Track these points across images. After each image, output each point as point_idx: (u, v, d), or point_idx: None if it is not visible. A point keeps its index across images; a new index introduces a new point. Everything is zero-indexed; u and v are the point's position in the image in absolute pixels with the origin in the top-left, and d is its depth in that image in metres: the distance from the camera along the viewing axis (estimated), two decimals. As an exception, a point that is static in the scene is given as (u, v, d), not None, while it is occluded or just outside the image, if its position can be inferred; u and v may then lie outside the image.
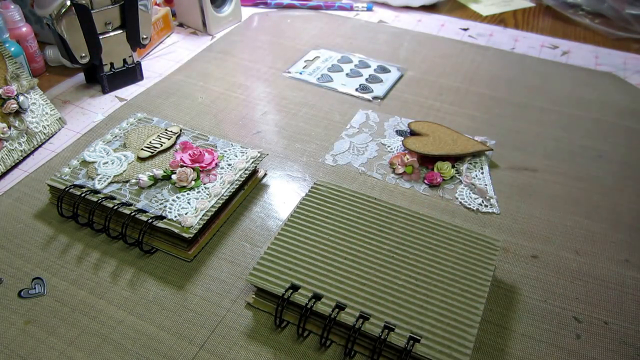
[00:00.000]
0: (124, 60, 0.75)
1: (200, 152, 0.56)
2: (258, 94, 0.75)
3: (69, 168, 0.55)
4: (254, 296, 0.46)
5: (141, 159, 0.56)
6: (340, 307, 0.42)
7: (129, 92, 0.76)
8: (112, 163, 0.56)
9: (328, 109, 0.72)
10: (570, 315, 0.46)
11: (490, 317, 0.46)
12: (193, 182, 0.53)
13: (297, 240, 0.47)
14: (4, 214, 0.55)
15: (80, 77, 0.78)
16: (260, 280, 0.44)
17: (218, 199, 0.52)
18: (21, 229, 0.53)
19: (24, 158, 0.63)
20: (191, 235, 0.48)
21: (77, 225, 0.53)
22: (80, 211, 0.53)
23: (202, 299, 0.47)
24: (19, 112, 0.62)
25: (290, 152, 0.64)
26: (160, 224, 0.49)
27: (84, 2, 0.66)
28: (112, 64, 0.74)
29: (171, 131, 0.61)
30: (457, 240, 0.48)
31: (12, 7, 0.72)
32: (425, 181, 0.60)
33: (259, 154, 0.58)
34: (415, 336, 0.40)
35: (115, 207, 0.50)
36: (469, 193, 0.59)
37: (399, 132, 0.68)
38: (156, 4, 0.92)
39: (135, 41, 0.74)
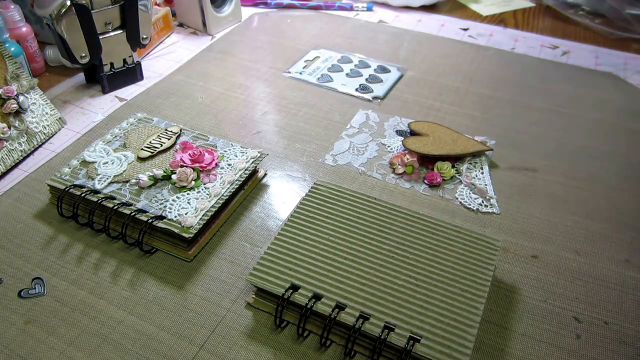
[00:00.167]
0: (124, 60, 0.75)
1: (200, 152, 0.56)
2: (258, 94, 0.75)
3: (69, 168, 0.55)
4: (254, 296, 0.46)
5: (141, 159, 0.56)
6: (340, 307, 0.42)
7: (129, 92, 0.76)
8: (112, 163, 0.56)
9: (328, 109, 0.72)
10: (570, 315, 0.46)
11: (490, 317, 0.46)
12: (193, 182, 0.53)
13: (297, 240, 0.47)
14: (4, 214, 0.55)
15: (80, 77, 0.78)
16: (260, 280, 0.44)
17: (218, 199, 0.52)
18: (21, 229, 0.53)
19: (24, 158, 0.63)
20: (191, 235, 0.48)
21: (77, 225, 0.53)
22: (80, 211, 0.53)
23: (202, 299, 0.47)
24: (19, 112, 0.62)
25: (290, 152, 0.64)
26: (160, 224, 0.49)
27: (84, 2, 0.66)
28: (112, 64, 0.74)
29: (171, 131, 0.61)
30: (457, 240, 0.48)
31: (12, 7, 0.72)
32: (425, 181, 0.60)
33: (259, 154, 0.58)
34: (415, 336, 0.40)
35: (115, 207, 0.50)
36: (469, 193, 0.59)
37: (399, 132, 0.68)
38: (156, 4, 0.92)
39: (135, 41, 0.74)
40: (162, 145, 0.58)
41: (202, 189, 0.53)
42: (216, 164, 0.56)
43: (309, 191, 0.53)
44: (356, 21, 0.99)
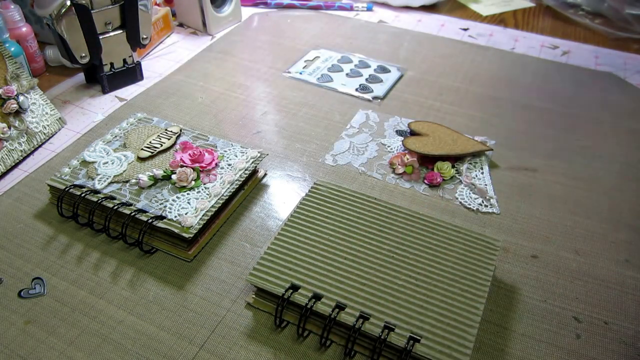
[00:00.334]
0: (124, 60, 0.75)
1: (200, 152, 0.56)
2: (258, 94, 0.75)
3: (69, 168, 0.55)
4: (254, 296, 0.46)
5: (141, 159, 0.56)
6: (340, 307, 0.42)
7: (129, 92, 0.76)
8: (112, 163, 0.56)
9: (328, 109, 0.72)
10: (570, 315, 0.46)
11: (490, 317, 0.46)
12: (193, 182, 0.53)
13: (297, 240, 0.47)
14: (4, 214, 0.55)
15: (80, 77, 0.78)
16: (260, 280, 0.44)
17: (218, 199, 0.52)
18: (21, 229, 0.53)
19: (24, 158, 0.63)
20: (191, 235, 0.48)
21: (77, 225, 0.53)
22: (80, 211, 0.53)
23: (202, 299, 0.47)
24: (19, 112, 0.62)
25: (290, 152, 0.64)
26: (160, 224, 0.49)
27: (84, 2, 0.66)
28: (112, 64, 0.74)
29: (171, 131, 0.61)
30: (457, 240, 0.48)
31: (12, 7, 0.72)
32: (425, 181, 0.60)
33: (259, 154, 0.58)
34: (415, 336, 0.40)
35: (115, 207, 0.50)
36: (469, 193, 0.59)
37: (399, 132, 0.68)
38: (156, 4, 0.92)
39: (135, 41, 0.74)
40: (162, 145, 0.58)
41: (202, 189, 0.53)
42: (216, 164, 0.56)
43: (309, 191, 0.53)
44: (356, 21, 0.99)
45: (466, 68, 0.84)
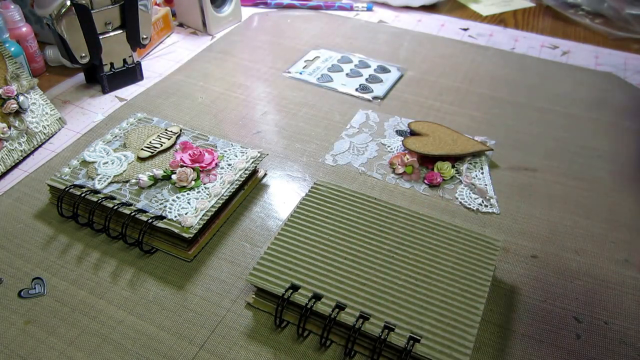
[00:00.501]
0: (124, 60, 0.75)
1: (200, 152, 0.56)
2: (258, 94, 0.75)
3: (69, 168, 0.55)
4: (254, 296, 0.46)
5: (141, 159, 0.56)
6: (340, 307, 0.42)
7: (129, 92, 0.76)
8: (112, 163, 0.56)
9: (328, 109, 0.72)
10: (570, 315, 0.46)
11: (490, 317, 0.46)
12: (193, 182, 0.53)
13: (297, 240, 0.47)
14: (4, 214, 0.55)
15: (80, 77, 0.78)
16: (260, 280, 0.44)
17: (218, 199, 0.52)
18: (21, 229, 0.53)
19: (24, 158, 0.63)
20: (191, 235, 0.48)
21: (77, 225, 0.53)
22: (80, 211, 0.53)
23: (202, 299, 0.47)
24: (19, 112, 0.62)
25: (290, 152, 0.64)
26: (160, 224, 0.49)
27: (84, 2, 0.66)
28: (112, 64, 0.74)
29: (171, 131, 0.61)
30: (457, 240, 0.48)
31: (12, 7, 0.72)
32: (425, 181, 0.60)
33: (259, 154, 0.58)
34: (415, 336, 0.40)
35: (115, 207, 0.50)
36: (469, 193, 0.59)
37: (399, 132, 0.68)
38: (156, 4, 0.92)
39: (135, 41, 0.74)
40: (162, 145, 0.58)
41: (202, 189, 0.53)
42: (216, 164, 0.56)
43: (309, 191, 0.53)
44: (356, 21, 0.99)
45: (466, 68, 0.84)
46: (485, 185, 0.60)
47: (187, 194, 0.52)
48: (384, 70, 0.81)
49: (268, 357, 0.42)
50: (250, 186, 0.58)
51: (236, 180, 0.54)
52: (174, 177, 0.53)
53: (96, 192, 0.52)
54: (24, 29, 0.73)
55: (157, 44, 0.89)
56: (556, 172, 0.62)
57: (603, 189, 0.60)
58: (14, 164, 0.61)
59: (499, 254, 0.50)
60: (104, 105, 0.73)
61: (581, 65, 0.86)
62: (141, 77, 0.78)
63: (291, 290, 0.43)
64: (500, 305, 0.47)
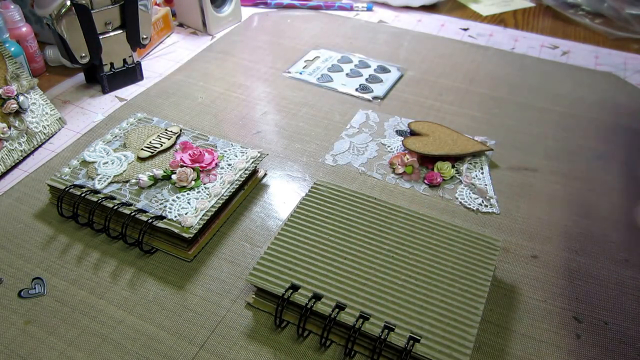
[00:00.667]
0: (124, 60, 0.75)
1: (200, 152, 0.56)
2: (258, 94, 0.75)
3: (69, 168, 0.55)
4: (254, 296, 0.46)
5: (141, 159, 0.56)
6: (340, 307, 0.42)
7: (129, 92, 0.76)
8: (112, 163, 0.56)
9: (328, 109, 0.72)
10: (570, 315, 0.46)
11: (490, 317, 0.46)
12: (193, 182, 0.53)
13: (297, 240, 0.47)
14: (4, 214, 0.55)
15: (80, 77, 0.78)
16: (260, 280, 0.44)
17: (218, 199, 0.52)
18: (21, 229, 0.53)
19: (24, 158, 0.63)
20: (191, 235, 0.48)
21: (77, 225, 0.53)
22: (80, 211, 0.53)
23: (202, 299, 0.47)
24: (19, 112, 0.62)
25: (290, 152, 0.64)
26: (160, 224, 0.49)
27: (84, 2, 0.66)
28: (112, 64, 0.74)
29: (171, 131, 0.61)
30: (457, 240, 0.48)
31: (12, 7, 0.72)
32: (425, 181, 0.60)
33: (259, 154, 0.58)
34: (415, 336, 0.40)
35: (115, 207, 0.50)
36: (469, 193, 0.59)
37: (399, 132, 0.68)
38: (156, 4, 0.92)
39: (135, 41, 0.74)
40: (162, 145, 0.58)
41: (202, 189, 0.53)
42: (216, 164, 0.56)
43: (309, 191, 0.53)
44: (356, 21, 0.99)
45: (466, 68, 0.84)
46: (485, 185, 0.60)
47: (187, 194, 0.52)
48: (384, 70, 0.81)
49: (268, 357, 0.42)
50: (250, 186, 0.58)
51: (236, 180, 0.54)
52: (174, 177, 0.53)
53: (96, 192, 0.52)
54: (24, 29, 0.73)
55: (157, 44, 0.89)
56: (556, 172, 0.62)
57: (603, 189, 0.60)
58: (14, 164, 0.61)
59: (499, 254, 0.50)
60: (104, 105, 0.73)
61: (581, 65, 0.86)
62: (141, 77, 0.78)
63: (291, 290, 0.43)
64: (500, 305, 0.47)
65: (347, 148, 0.65)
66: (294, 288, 0.43)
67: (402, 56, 0.86)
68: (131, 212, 0.50)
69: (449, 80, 0.80)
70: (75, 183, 0.53)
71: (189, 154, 0.55)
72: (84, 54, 0.70)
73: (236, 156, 0.57)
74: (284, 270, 0.44)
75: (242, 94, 0.75)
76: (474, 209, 0.57)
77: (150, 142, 0.59)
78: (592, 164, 0.64)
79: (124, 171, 0.55)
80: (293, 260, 0.45)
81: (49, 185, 0.54)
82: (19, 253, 0.50)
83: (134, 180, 0.54)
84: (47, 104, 0.67)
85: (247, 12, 1.00)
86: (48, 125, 0.66)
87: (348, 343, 0.41)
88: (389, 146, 0.65)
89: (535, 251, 0.52)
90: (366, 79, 0.79)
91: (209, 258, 0.50)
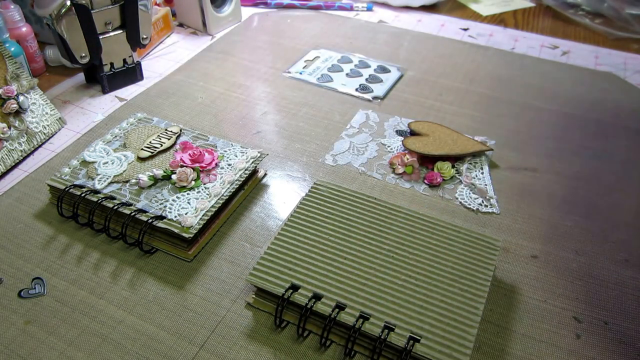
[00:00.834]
0: (124, 60, 0.75)
1: (200, 152, 0.56)
2: (258, 94, 0.75)
3: (69, 168, 0.55)
4: (254, 296, 0.46)
5: (141, 159, 0.56)
6: (340, 307, 0.42)
7: (129, 92, 0.76)
8: (112, 163, 0.56)
9: (328, 109, 0.72)
10: (570, 315, 0.46)
11: (490, 317, 0.46)
12: (193, 182, 0.53)
13: (297, 240, 0.47)
14: (4, 214, 0.55)
15: (80, 77, 0.78)
16: (260, 280, 0.44)
17: (218, 199, 0.52)
18: (21, 229, 0.53)
19: (24, 158, 0.63)
20: (191, 235, 0.48)
21: (77, 225, 0.53)
22: (80, 211, 0.53)
23: (202, 299, 0.47)
24: (19, 112, 0.62)
25: (290, 152, 0.64)
26: (160, 224, 0.49)
27: (84, 2, 0.66)
28: (112, 64, 0.74)
29: (171, 131, 0.61)
30: (457, 240, 0.48)
31: (12, 7, 0.72)
32: (425, 181, 0.60)
33: (259, 154, 0.58)
34: (415, 336, 0.40)
35: (115, 207, 0.50)
36: (469, 193, 0.59)
37: (399, 132, 0.68)
38: (156, 4, 0.92)
39: (135, 41, 0.74)
40: (162, 145, 0.58)
41: (202, 189, 0.53)
42: (216, 164, 0.56)
43: (309, 191, 0.53)
44: (356, 21, 0.99)
45: (466, 68, 0.84)
46: (485, 185, 0.60)
47: (187, 194, 0.52)
48: (384, 70, 0.81)
49: (268, 357, 0.42)
50: (250, 186, 0.58)
51: (236, 180, 0.54)
52: (174, 177, 0.53)
53: (96, 192, 0.52)
54: (24, 29, 0.73)
55: (157, 44, 0.89)
56: (556, 172, 0.62)
57: (603, 189, 0.60)
58: (14, 164, 0.61)
59: (499, 254, 0.50)
60: (104, 105, 0.73)
61: (581, 65, 0.86)
62: (141, 77, 0.78)
63: (291, 290, 0.43)
64: (500, 305, 0.47)
65: (347, 148, 0.65)
66: (294, 288, 0.43)
67: (402, 56, 0.86)
68: (131, 212, 0.50)
69: (449, 80, 0.80)
70: (75, 183, 0.53)
71: (189, 154, 0.55)
72: (84, 54, 0.70)
73: (236, 156, 0.57)
74: (284, 270, 0.45)
75: (242, 94, 0.75)
76: (474, 209, 0.57)
77: (150, 142, 0.59)
78: (592, 164, 0.64)
79: (124, 171, 0.55)
80: (293, 260, 0.45)
81: (49, 185, 0.54)
82: (19, 253, 0.50)
83: (134, 180, 0.54)
84: (47, 104, 0.67)
85: (247, 12, 1.00)
86: (48, 125, 0.66)
87: (348, 343, 0.41)
88: (389, 146, 0.65)
89: (535, 251, 0.52)
90: (366, 79, 0.79)
91: (209, 258, 0.50)
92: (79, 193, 0.52)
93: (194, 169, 0.54)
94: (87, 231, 0.53)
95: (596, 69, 0.85)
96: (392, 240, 0.47)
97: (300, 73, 0.80)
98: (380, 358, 0.42)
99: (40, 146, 0.65)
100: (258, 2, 1.03)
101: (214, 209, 0.51)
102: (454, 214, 0.56)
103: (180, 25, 0.95)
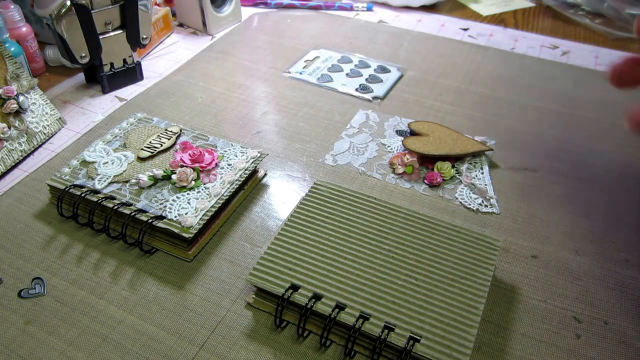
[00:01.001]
0: (124, 60, 0.75)
1: (200, 152, 0.56)
2: (258, 94, 0.75)
3: (69, 168, 0.55)
4: (254, 296, 0.46)
5: (141, 159, 0.56)
6: (340, 307, 0.42)
7: (129, 92, 0.76)
8: (112, 163, 0.56)
9: (328, 109, 0.72)
10: (570, 315, 0.46)
11: (490, 317, 0.46)
12: (193, 182, 0.53)
13: (297, 240, 0.47)
14: (4, 214, 0.55)
15: (80, 77, 0.78)
16: (260, 280, 0.44)
17: (218, 199, 0.52)
18: (21, 229, 0.53)
19: (24, 158, 0.63)
20: (191, 235, 0.48)
21: (77, 225, 0.53)
22: (80, 211, 0.53)
23: (202, 299, 0.47)
24: (19, 112, 0.62)
25: (290, 152, 0.64)
26: (160, 224, 0.49)
27: (84, 2, 0.66)
28: (112, 64, 0.74)
29: (171, 131, 0.61)
30: (457, 240, 0.48)
31: (12, 7, 0.72)
32: (425, 181, 0.60)
33: (259, 154, 0.58)
34: (415, 336, 0.40)
35: (115, 207, 0.50)
36: (469, 193, 0.59)
37: (399, 132, 0.68)
38: (156, 4, 0.92)
39: (135, 41, 0.74)
40: (162, 145, 0.58)
41: (202, 189, 0.53)
42: (216, 164, 0.56)
43: (309, 191, 0.53)
44: (356, 21, 0.99)
45: (466, 68, 0.84)
46: (485, 185, 0.60)
47: (187, 194, 0.52)
48: (384, 70, 0.81)
49: (268, 357, 0.42)
50: (250, 186, 0.58)
51: (236, 180, 0.54)
52: (174, 177, 0.53)
53: (96, 192, 0.52)
54: (24, 29, 0.73)
55: (157, 44, 0.89)
56: (556, 172, 0.62)
57: (603, 189, 0.60)
58: (14, 164, 0.61)
59: (499, 254, 0.50)
60: (104, 105, 0.73)
61: (581, 65, 0.86)
62: (141, 77, 0.78)
63: (291, 290, 0.43)
64: (500, 305, 0.47)
65: (347, 148, 0.65)
66: (294, 288, 0.43)
67: (402, 56, 0.86)
68: (131, 212, 0.50)
69: (449, 80, 0.80)
70: (75, 183, 0.53)
71: (189, 154, 0.55)
72: (84, 54, 0.70)
73: (236, 156, 0.57)
74: (284, 270, 0.45)
75: (242, 94, 0.75)
76: (474, 209, 0.57)
77: (150, 142, 0.59)
78: (592, 164, 0.64)
79: (124, 171, 0.55)
80: (293, 260, 0.45)
81: (49, 185, 0.54)
82: (19, 253, 0.50)
83: (134, 180, 0.54)
84: (47, 104, 0.67)
85: (247, 12, 1.00)
86: (48, 125, 0.66)
87: (348, 343, 0.41)
88: (389, 146, 0.65)
89: (535, 251, 0.52)
90: (366, 79, 0.79)
91: (209, 258, 0.50)
92: (79, 193, 0.52)
93: (194, 169, 0.54)
94: (87, 231, 0.53)
95: (596, 69, 0.85)
96: (392, 240, 0.47)
97: (300, 73, 0.80)
98: (380, 358, 0.42)
99: (40, 146, 0.65)
100: (258, 2, 1.03)
101: (214, 209, 0.51)
102: (454, 214, 0.56)
103: (180, 25, 0.95)
